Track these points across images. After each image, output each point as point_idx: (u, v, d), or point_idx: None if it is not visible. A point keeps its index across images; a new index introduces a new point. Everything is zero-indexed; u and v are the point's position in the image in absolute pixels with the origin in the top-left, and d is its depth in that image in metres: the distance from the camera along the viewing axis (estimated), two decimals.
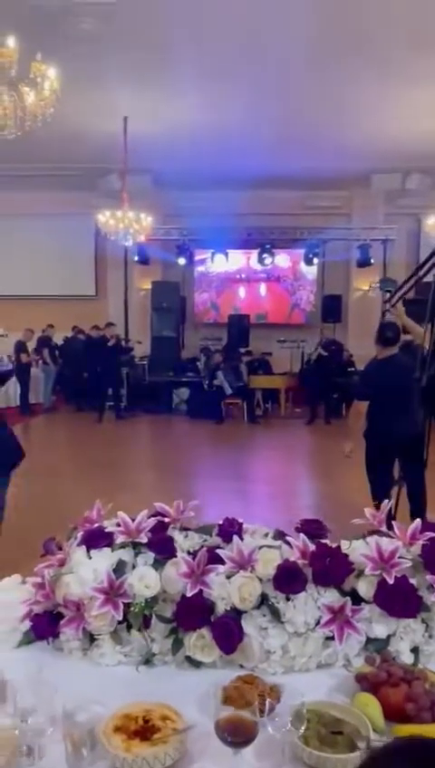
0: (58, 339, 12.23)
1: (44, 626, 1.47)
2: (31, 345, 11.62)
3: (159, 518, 1.58)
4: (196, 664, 1.41)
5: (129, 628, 1.44)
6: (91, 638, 1.45)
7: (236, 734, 1.04)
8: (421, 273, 4.20)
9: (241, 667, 1.40)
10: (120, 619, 1.41)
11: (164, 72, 7.95)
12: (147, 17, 6.54)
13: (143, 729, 1.11)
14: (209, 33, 6.96)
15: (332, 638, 1.41)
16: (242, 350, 12.20)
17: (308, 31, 6.87)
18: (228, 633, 1.37)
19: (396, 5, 6.40)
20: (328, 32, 6.95)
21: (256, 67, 7.79)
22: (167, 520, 1.59)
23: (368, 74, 8.00)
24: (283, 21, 6.68)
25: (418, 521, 1.57)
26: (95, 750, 1.12)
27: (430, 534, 1.52)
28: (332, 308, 13.16)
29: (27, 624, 1.51)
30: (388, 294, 4.86)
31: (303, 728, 1.08)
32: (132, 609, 1.40)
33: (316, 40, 7.10)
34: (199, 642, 1.39)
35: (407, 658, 1.40)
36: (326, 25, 6.79)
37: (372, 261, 12.63)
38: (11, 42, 5.01)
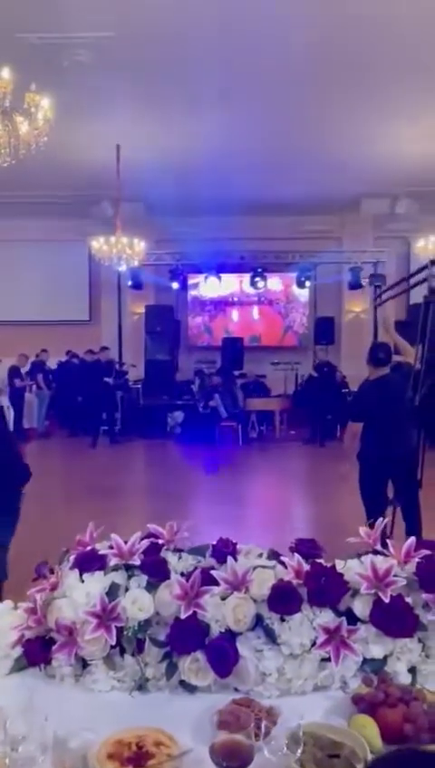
0: (52, 364, 12.23)
1: (36, 651, 1.44)
2: (24, 370, 11.61)
3: (152, 540, 1.57)
4: (190, 688, 1.39)
5: (122, 652, 1.42)
6: (84, 664, 1.43)
7: (232, 759, 1.02)
8: (412, 281, 4.33)
9: (236, 690, 1.38)
10: (114, 643, 1.39)
11: (157, 101, 8.12)
12: (141, 48, 6.70)
13: (137, 756, 1.09)
14: (202, 64, 7.12)
15: (328, 660, 1.39)
16: (236, 372, 12.23)
17: (300, 61, 7.05)
18: (223, 656, 1.35)
19: (386, 37, 6.59)
20: (320, 61, 7.12)
21: (247, 95, 7.97)
22: (160, 541, 1.57)
23: (358, 103, 8.20)
24: (275, 51, 6.86)
25: (412, 539, 1.57)
26: None
27: (424, 552, 1.52)
28: (324, 330, 13.26)
29: (19, 650, 1.48)
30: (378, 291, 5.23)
31: (299, 751, 1.06)
32: (126, 632, 1.38)
33: (308, 69, 7.27)
34: (194, 666, 1.37)
35: (404, 679, 1.38)
36: (318, 55, 6.97)
37: (364, 283, 12.76)
38: (5, 73, 5.12)
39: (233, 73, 7.40)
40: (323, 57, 7.04)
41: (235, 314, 14.40)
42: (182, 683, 1.39)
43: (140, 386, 12.43)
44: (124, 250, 10.44)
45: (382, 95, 7.95)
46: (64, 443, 11.25)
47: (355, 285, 12.78)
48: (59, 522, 5.38)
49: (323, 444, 10.67)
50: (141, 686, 1.40)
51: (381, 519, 1.67)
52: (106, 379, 10.86)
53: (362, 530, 1.62)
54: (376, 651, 1.40)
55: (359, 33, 6.54)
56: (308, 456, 10.11)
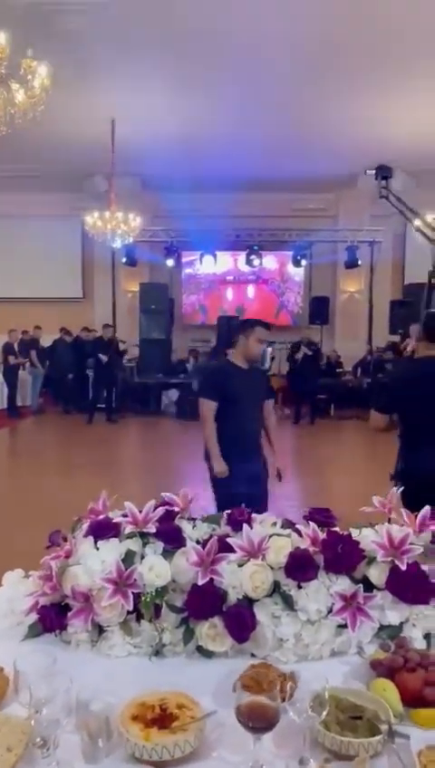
0: (45, 341, 12.13)
1: (52, 618, 1.43)
2: (17, 347, 11.51)
3: (166, 507, 1.56)
4: (207, 654, 1.39)
5: (138, 618, 1.42)
6: (100, 630, 1.43)
7: (258, 720, 1.02)
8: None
9: (253, 656, 1.39)
10: (131, 608, 1.39)
11: (152, 76, 7.93)
12: (138, 20, 6.53)
13: (161, 717, 1.09)
14: (201, 38, 6.97)
15: (344, 626, 1.39)
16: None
17: (299, 40, 6.93)
18: (241, 622, 1.35)
19: (383, 20, 6.49)
20: (318, 41, 7.01)
21: (245, 72, 7.82)
22: (175, 509, 1.57)
23: (355, 81, 8.09)
24: (274, 29, 6.73)
25: (427, 508, 1.57)
26: (111, 739, 1.10)
27: None
28: (319, 310, 13.22)
29: (33, 617, 1.48)
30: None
31: (324, 713, 1.07)
32: (143, 598, 1.38)
33: (306, 48, 7.15)
34: (211, 631, 1.37)
35: (420, 645, 1.39)
36: (317, 35, 6.86)
37: (360, 262, 12.70)
38: (2, 38, 4.97)
39: (232, 48, 7.26)
40: (321, 37, 6.93)
41: (230, 293, 14.32)
42: (199, 649, 1.39)
43: (134, 364, 12.38)
44: (119, 226, 10.31)
45: (375, 74, 7.86)
46: (59, 420, 11.23)
47: (351, 264, 12.72)
48: (59, 495, 5.40)
49: (312, 422, 10.69)
50: (158, 651, 1.40)
51: (395, 488, 1.67)
52: (101, 355, 10.77)
53: (376, 499, 1.62)
54: (392, 618, 1.41)
55: (358, 16, 6.45)
56: (300, 433, 10.14)
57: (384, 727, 1.08)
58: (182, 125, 9.45)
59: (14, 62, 5.26)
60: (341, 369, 12.49)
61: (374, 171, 3.27)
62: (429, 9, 6.32)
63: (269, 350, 11.36)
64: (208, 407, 3.45)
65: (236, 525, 1.53)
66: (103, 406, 10.91)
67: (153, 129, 9.57)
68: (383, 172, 3.12)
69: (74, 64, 7.21)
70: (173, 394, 11.80)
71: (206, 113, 9.17)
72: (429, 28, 6.66)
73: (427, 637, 1.41)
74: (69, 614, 1.43)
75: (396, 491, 1.67)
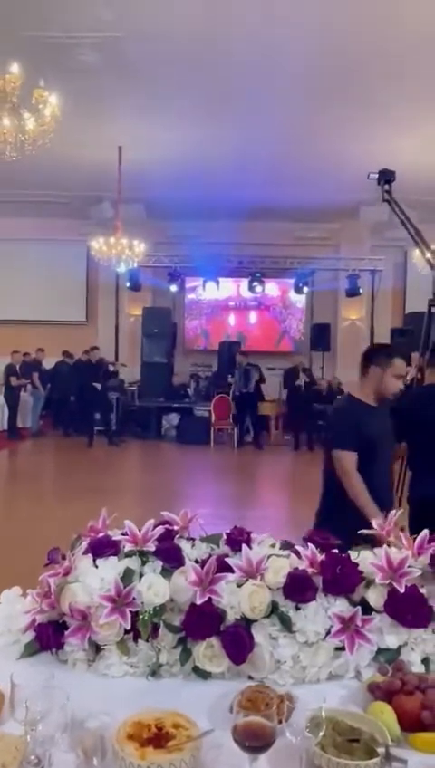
0: (48, 364, 12.19)
1: (49, 636, 1.43)
2: (19, 369, 11.56)
3: (166, 527, 1.57)
4: (204, 675, 1.38)
5: (136, 638, 1.41)
6: (97, 649, 1.42)
7: (255, 739, 1.01)
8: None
9: (250, 678, 1.38)
10: (129, 627, 1.38)
11: (160, 104, 8.15)
12: (147, 51, 6.73)
13: (157, 736, 1.09)
14: (206, 69, 7.17)
15: (342, 649, 1.39)
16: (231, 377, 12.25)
17: (303, 69, 7.11)
18: (239, 642, 1.35)
19: (384, 50, 6.67)
20: (322, 71, 7.19)
21: (250, 101, 8.01)
22: (175, 528, 1.57)
23: (359, 113, 8.27)
24: (278, 59, 6.92)
25: (425, 531, 1.57)
26: (105, 758, 1.09)
27: None
28: (320, 336, 13.31)
29: (30, 635, 1.47)
30: None
31: (321, 734, 1.06)
32: (141, 616, 1.37)
33: (310, 78, 7.34)
34: (209, 651, 1.37)
35: (418, 669, 1.38)
36: (321, 65, 7.04)
37: (361, 291, 12.82)
38: (15, 68, 5.13)
39: (237, 80, 7.45)
40: (327, 67, 7.11)
41: (232, 318, 14.43)
42: (196, 669, 1.38)
43: (135, 388, 12.41)
44: (124, 251, 10.45)
45: (381, 106, 8.03)
46: (59, 443, 11.21)
47: (352, 293, 12.85)
48: (57, 517, 5.36)
49: (311, 448, 10.69)
50: (155, 671, 1.40)
51: (393, 511, 1.67)
52: (94, 384, 10.81)
53: (375, 522, 1.63)
54: (390, 641, 1.40)
55: (358, 46, 6.64)
56: (299, 460, 10.11)
57: (381, 750, 1.07)
58: (187, 153, 9.66)
59: (26, 92, 5.41)
60: (341, 397, 12.51)
61: (377, 175, 3.26)
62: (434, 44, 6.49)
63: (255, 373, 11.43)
64: (351, 459, 2.72)
65: (235, 545, 1.53)
66: (103, 429, 10.92)
67: (159, 156, 9.77)
68: (386, 176, 3.10)
69: (84, 93, 7.40)
70: (174, 418, 11.80)
71: (210, 142, 9.37)
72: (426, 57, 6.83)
73: (425, 661, 1.41)
74: (66, 632, 1.42)
75: (395, 514, 1.67)
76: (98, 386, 10.84)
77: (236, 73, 7.30)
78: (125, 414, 11.81)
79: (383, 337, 12.19)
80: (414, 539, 1.55)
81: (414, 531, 1.61)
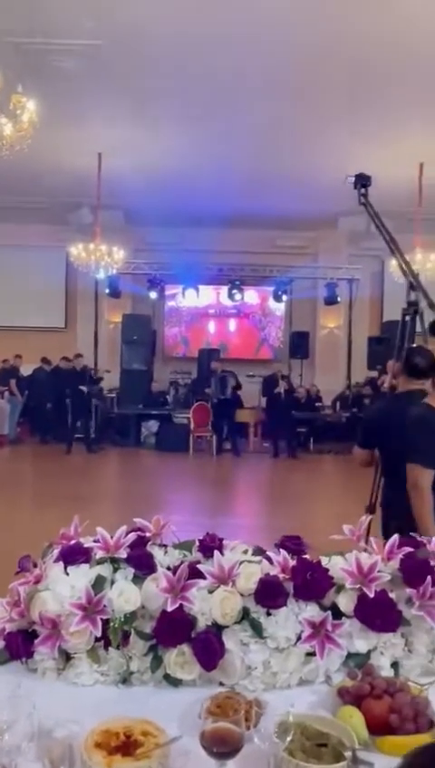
0: (26, 370, 12.07)
1: (18, 645, 1.41)
2: None
3: (138, 533, 1.56)
4: (175, 682, 1.38)
5: (106, 646, 1.40)
6: (67, 657, 1.41)
7: (222, 745, 1.01)
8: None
9: (221, 684, 1.38)
10: (99, 635, 1.38)
11: (140, 112, 8.18)
12: (127, 58, 6.77)
13: (125, 744, 1.08)
14: (186, 78, 7.23)
15: (313, 654, 1.39)
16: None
17: (282, 80, 7.21)
18: (210, 649, 1.35)
19: (363, 63, 6.80)
20: (301, 81, 7.29)
21: (229, 111, 8.09)
22: (147, 535, 1.57)
23: (338, 123, 8.40)
24: (258, 69, 7.00)
25: (395, 536, 1.59)
26: (74, 767, 1.08)
27: (407, 549, 1.54)
28: (299, 344, 13.41)
29: (0, 644, 1.46)
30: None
31: (288, 739, 1.07)
32: (112, 624, 1.37)
33: (289, 88, 7.44)
34: (180, 659, 1.36)
35: (387, 673, 1.40)
36: (301, 76, 7.14)
37: (339, 299, 12.96)
38: None
39: (216, 88, 7.53)
40: (305, 78, 7.22)
41: (212, 326, 14.47)
42: (167, 677, 1.38)
43: (114, 395, 12.35)
44: (103, 258, 10.43)
45: (359, 117, 8.17)
46: (37, 450, 11.10)
47: (331, 301, 12.98)
48: (33, 525, 5.29)
49: (294, 456, 10.72)
50: (125, 679, 1.39)
51: (365, 516, 1.69)
52: (81, 387, 10.76)
53: (346, 527, 1.64)
54: (360, 646, 1.42)
55: (338, 59, 6.75)
56: (279, 467, 10.15)
57: (349, 754, 1.08)
58: (167, 161, 9.70)
59: (4, 97, 5.39)
60: (320, 404, 12.61)
61: (353, 178, 3.33)
62: (413, 58, 6.61)
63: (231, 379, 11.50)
64: (429, 477, 2.56)
65: (207, 552, 1.53)
66: (82, 436, 10.84)
67: (138, 163, 9.79)
68: (362, 180, 3.17)
69: (63, 99, 7.41)
70: (153, 425, 11.76)
71: (190, 150, 9.42)
72: (413, 74, 6.96)
73: (394, 665, 1.42)
74: (36, 641, 1.41)
75: (366, 519, 1.69)
76: (84, 389, 10.77)
77: (215, 83, 7.37)
78: (104, 421, 11.74)
79: (361, 345, 12.34)
80: (385, 544, 1.57)
81: (387, 537, 1.62)
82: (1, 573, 1.80)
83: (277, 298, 13.46)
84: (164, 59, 6.78)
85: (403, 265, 3.01)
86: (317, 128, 8.58)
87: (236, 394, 11.54)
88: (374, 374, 11.10)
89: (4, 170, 6.87)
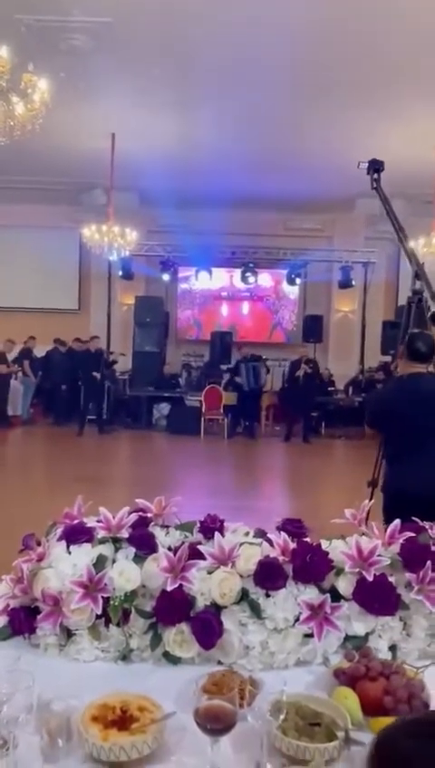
0: (40, 352, 12.13)
1: (21, 620, 1.44)
2: (11, 357, 11.51)
3: (140, 514, 1.58)
4: (174, 660, 1.40)
5: (107, 623, 1.43)
6: (69, 634, 1.43)
7: (215, 722, 1.03)
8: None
9: (219, 663, 1.40)
10: (100, 612, 1.40)
11: (153, 92, 8.08)
12: (140, 36, 6.66)
13: (121, 719, 1.10)
14: (201, 56, 7.11)
15: (311, 635, 1.41)
16: (223, 367, 12.24)
17: (295, 60, 7.07)
18: (208, 628, 1.36)
19: (380, 40, 6.64)
20: (314, 61, 7.15)
21: (243, 91, 7.96)
22: (148, 515, 1.58)
23: (353, 103, 8.24)
24: (270, 48, 6.86)
25: (397, 521, 1.59)
26: (71, 740, 1.11)
27: (407, 534, 1.54)
28: (313, 328, 13.30)
29: (3, 619, 1.49)
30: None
31: (281, 718, 1.08)
32: (112, 602, 1.39)
33: (303, 68, 7.30)
34: (178, 637, 1.38)
35: (385, 656, 1.41)
36: (313, 55, 7.00)
37: (354, 283, 12.83)
38: (3, 51, 5.07)
39: (231, 67, 7.40)
40: (319, 58, 7.08)
41: (224, 309, 14.41)
42: (166, 655, 1.40)
43: (127, 377, 12.40)
44: (116, 239, 10.40)
45: (376, 97, 8.01)
46: (50, 431, 11.20)
47: (345, 284, 12.85)
48: (44, 505, 5.36)
49: (306, 440, 10.70)
50: (125, 656, 1.41)
51: (366, 501, 1.69)
52: (94, 374, 10.80)
53: (348, 511, 1.65)
54: (358, 628, 1.43)
55: (355, 38, 6.59)
56: (291, 451, 10.15)
57: (341, 734, 1.09)
58: (181, 141, 9.60)
59: (16, 76, 5.35)
60: (333, 388, 12.55)
61: (367, 164, 3.30)
62: (429, 36, 6.46)
63: (263, 368, 11.47)
64: None
65: (207, 533, 1.55)
66: (94, 417, 10.91)
67: (152, 144, 9.70)
68: (375, 165, 3.17)
69: (76, 79, 7.33)
70: (164, 408, 11.80)
71: (204, 130, 9.31)
72: (429, 53, 6.80)
73: (392, 648, 1.43)
74: (38, 617, 1.44)
75: (368, 504, 1.69)
76: (98, 375, 10.81)
77: (229, 60, 7.24)
78: (116, 403, 11.80)
79: (375, 329, 12.22)
80: (386, 528, 1.57)
81: (387, 521, 1.63)
82: (10, 552, 1.83)
83: (291, 281, 13.34)
84: (176, 37, 6.67)
85: (409, 254, 3.01)
86: (332, 107, 8.42)
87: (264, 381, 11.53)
88: (387, 359, 11.01)
89: (18, 150, 6.83)
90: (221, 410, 11.33)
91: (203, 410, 11.25)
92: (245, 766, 1.09)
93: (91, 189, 11.96)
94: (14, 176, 11.02)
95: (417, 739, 0.62)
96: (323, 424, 11.70)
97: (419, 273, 2.90)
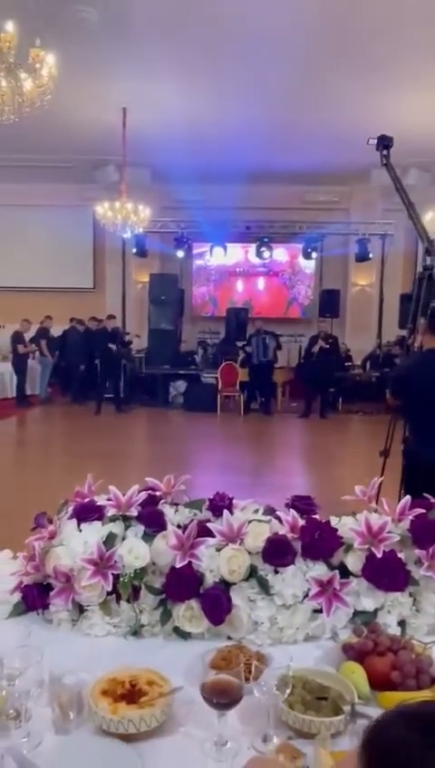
0: (56, 331, 12.20)
1: (35, 597, 1.47)
2: (28, 336, 11.59)
3: (149, 492, 1.59)
4: (184, 635, 1.42)
5: (118, 599, 1.45)
6: (81, 610, 1.46)
7: (222, 696, 1.04)
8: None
9: (229, 638, 1.41)
10: (110, 589, 1.42)
11: (164, 66, 7.90)
12: (149, 9, 6.51)
13: (130, 693, 1.13)
14: (213, 26, 6.93)
15: (319, 611, 1.41)
16: (239, 344, 12.19)
17: (309, 29, 6.85)
18: (217, 604, 1.38)
19: (396, 11, 6.41)
20: (328, 30, 6.93)
21: (256, 62, 7.76)
22: (158, 494, 1.59)
23: (368, 72, 8.00)
24: (284, 19, 6.67)
25: (407, 497, 1.58)
26: (82, 713, 1.13)
27: (418, 510, 1.53)
28: (329, 303, 13.15)
29: (17, 596, 1.52)
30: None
31: (288, 692, 1.09)
32: (122, 579, 1.41)
33: (317, 38, 7.08)
34: (188, 613, 1.40)
35: (394, 631, 1.41)
36: (327, 24, 6.78)
37: (371, 255, 12.61)
38: (10, 26, 4.99)
39: (244, 35, 7.20)
40: (334, 28, 6.86)
41: (240, 285, 14.30)
42: (176, 630, 1.42)
43: (142, 355, 12.43)
44: (129, 216, 10.32)
45: (391, 66, 7.76)
46: (67, 410, 11.31)
47: (362, 258, 12.64)
48: (61, 483, 5.45)
49: (324, 416, 10.66)
50: (136, 631, 1.44)
51: (376, 477, 1.68)
52: (110, 345, 10.84)
53: (358, 488, 1.64)
54: (367, 604, 1.43)
55: (370, 8, 6.37)
56: (308, 427, 10.14)
57: (347, 708, 1.10)
58: (193, 115, 9.42)
59: (23, 52, 5.27)
60: (350, 363, 12.46)
61: (376, 140, 3.25)
62: None
63: (272, 342, 11.39)
64: None
65: (217, 511, 1.55)
66: (111, 396, 10.98)
67: (164, 118, 9.55)
68: (384, 141, 3.13)
69: (85, 52, 7.20)
70: (181, 385, 11.83)
71: (217, 103, 9.13)
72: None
73: (401, 623, 1.43)
74: (51, 593, 1.46)
75: (378, 480, 1.68)
76: (114, 347, 10.86)
77: (241, 34, 7.06)
78: (133, 381, 11.85)
79: (393, 303, 12.04)
80: (402, 491, 1.56)
81: (406, 489, 1.62)
82: (27, 530, 1.86)
83: (307, 255, 13.16)
84: (188, 8, 6.50)
85: (420, 231, 2.99)
86: (346, 77, 8.18)
87: (274, 354, 11.47)
88: (405, 333, 10.86)
89: (28, 127, 6.76)
90: (237, 387, 11.33)
91: (219, 387, 11.25)
92: (252, 738, 1.10)
93: (103, 166, 11.85)
94: (24, 154, 10.94)
95: (410, 730, 0.62)
96: (341, 400, 11.64)
97: (429, 250, 2.88)
